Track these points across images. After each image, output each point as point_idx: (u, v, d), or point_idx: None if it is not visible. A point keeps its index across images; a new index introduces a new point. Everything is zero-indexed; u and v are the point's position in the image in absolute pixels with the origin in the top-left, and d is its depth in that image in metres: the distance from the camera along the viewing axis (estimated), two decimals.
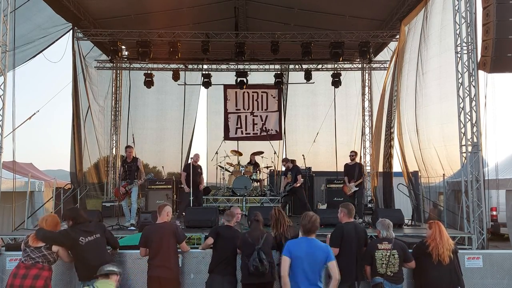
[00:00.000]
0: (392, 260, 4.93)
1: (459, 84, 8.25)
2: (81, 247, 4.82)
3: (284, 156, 15.28)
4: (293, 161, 10.45)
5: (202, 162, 10.36)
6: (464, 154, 8.17)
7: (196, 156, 9.95)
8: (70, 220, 4.97)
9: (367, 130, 15.09)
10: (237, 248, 5.19)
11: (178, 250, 5.37)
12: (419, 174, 10.57)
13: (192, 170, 9.43)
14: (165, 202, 6.73)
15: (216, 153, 13.31)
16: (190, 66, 15.14)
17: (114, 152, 14.76)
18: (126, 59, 14.85)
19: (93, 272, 4.79)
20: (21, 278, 4.48)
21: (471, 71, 8.14)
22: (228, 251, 5.17)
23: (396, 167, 11.40)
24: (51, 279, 4.74)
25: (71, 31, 11.58)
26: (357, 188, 9.50)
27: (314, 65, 14.94)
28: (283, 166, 10.19)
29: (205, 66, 15.24)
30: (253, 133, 15.55)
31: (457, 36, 8.28)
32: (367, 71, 15.19)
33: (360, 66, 15.19)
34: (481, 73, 8.02)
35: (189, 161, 9.89)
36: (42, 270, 4.58)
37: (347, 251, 4.95)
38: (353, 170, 9.59)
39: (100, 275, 4.45)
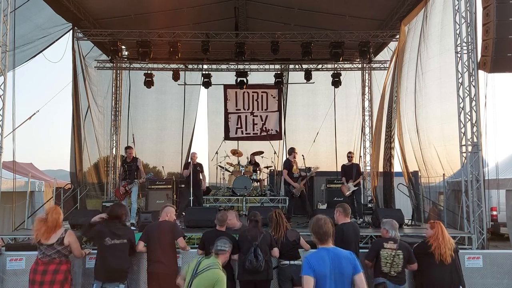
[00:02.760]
0: (396, 260, 4.96)
1: (459, 84, 8.25)
2: (105, 247, 4.93)
3: (284, 156, 15.29)
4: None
5: (203, 162, 10.37)
6: (464, 154, 8.17)
7: (192, 155, 9.98)
8: (108, 215, 5.13)
9: (367, 130, 15.08)
10: (235, 252, 5.13)
11: (178, 250, 5.38)
12: (419, 174, 10.57)
13: (192, 168, 9.53)
14: (167, 203, 6.75)
15: (216, 153, 13.30)
16: (190, 66, 15.13)
17: (114, 152, 14.75)
18: (126, 59, 14.85)
19: (108, 274, 4.88)
20: (41, 274, 4.66)
21: (471, 71, 8.14)
22: None
23: (396, 167, 11.41)
24: (69, 271, 4.88)
25: (71, 31, 11.58)
26: (356, 188, 9.51)
27: (314, 65, 14.93)
28: (292, 156, 9.39)
29: (205, 66, 15.23)
30: (253, 133, 15.55)
31: (457, 36, 8.28)
32: (367, 71, 15.18)
33: (360, 66, 15.18)
34: (481, 73, 8.03)
35: (189, 160, 9.92)
36: (60, 265, 4.75)
37: None
38: (351, 170, 9.62)
39: (214, 252, 4.28)
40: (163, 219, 5.34)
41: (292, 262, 5.21)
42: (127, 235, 5.12)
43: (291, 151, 9.51)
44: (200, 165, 9.83)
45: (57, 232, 4.82)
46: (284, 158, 15.01)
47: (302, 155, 10.10)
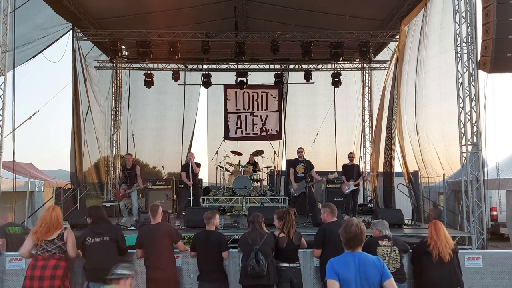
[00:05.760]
0: (393, 256, 4.96)
1: (459, 84, 8.26)
2: (87, 247, 4.92)
3: (284, 156, 15.31)
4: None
5: (202, 162, 10.32)
6: (464, 154, 8.17)
7: (189, 155, 9.98)
8: (90, 218, 5.12)
9: (367, 130, 15.08)
10: (224, 250, 5.15)
11: (176, 250, 5.37)
12: (419, 174, 10.58)
13: (189, 169, 9.48)
14: (156, 203, 6.65)
15: (216, 153, 13.30)
16: (190, 66, 15.13)
17: (114, 152, 14.75)
18: (126, 59, 14.85)
19: (91, 273, 4.87)
20: (40, 269, 4.59)
21: (471, 71, 8.14)
22: (208, 257, 5.09)
23: (396, 167, 11.43)
24: (69, 269, 4.84)
25: (71, 31, 11.58)
26: (356, 188, 9.57)
27: (314, 65, 14.93)
28: (298, 155, 8.97)
29: (205, 66, 15.23)
30: (253, 133, 15.54)
31: (457, 36, 8.28)
32: (367, 71, 15.18)
33: (360, 66, 15.18)
34: (481, 73, 8.04)
35: (188, 162, 9.89)
36: (60, 260, 4.70)
37: (330, 251, 4.71)
38: (352, 170, 9.69)
39: (111, 279, 3.76)
40: (157, 220, 5.26)
41: (292, 265, 5.19)
42: (109, 233, 5.01)
43: (298, 150, 9.22)
44: (198, 164, 9.89)
45: (57, 230, 4.82)
46: (284, 158, 15.19)
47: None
